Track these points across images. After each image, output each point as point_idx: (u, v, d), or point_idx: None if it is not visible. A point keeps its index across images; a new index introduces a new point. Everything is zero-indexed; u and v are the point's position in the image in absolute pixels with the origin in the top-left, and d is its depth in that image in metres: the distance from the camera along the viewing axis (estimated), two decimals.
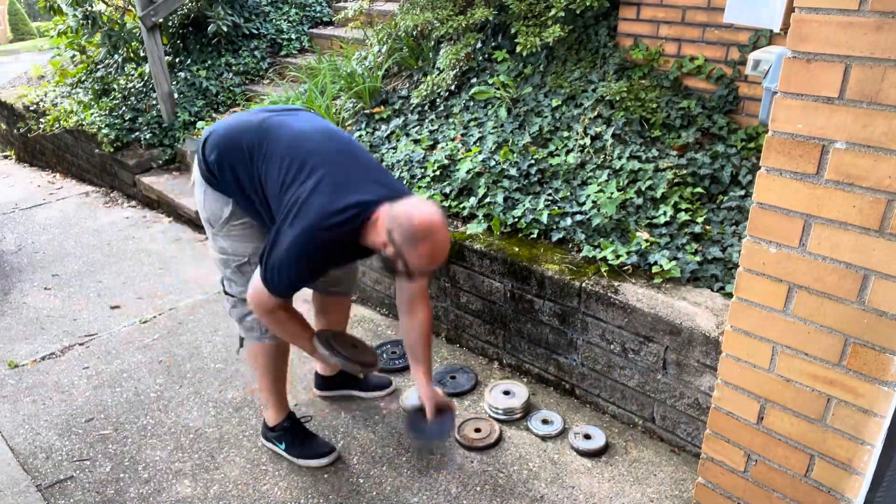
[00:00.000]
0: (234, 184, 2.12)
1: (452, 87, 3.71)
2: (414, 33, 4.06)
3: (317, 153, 2.04)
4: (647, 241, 2.59)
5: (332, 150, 2.08)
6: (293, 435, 2.49)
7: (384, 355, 3.06)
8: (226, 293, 2.32)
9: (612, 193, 2.75)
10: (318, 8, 5.90)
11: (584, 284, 2.53)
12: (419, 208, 1.93)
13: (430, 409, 2.29)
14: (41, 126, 5.76)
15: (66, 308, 3.65)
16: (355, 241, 2.01)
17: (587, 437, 2.49)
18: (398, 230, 1.89)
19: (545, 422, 2.59)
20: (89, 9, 5.13)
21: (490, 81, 3.57)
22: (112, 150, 5.13)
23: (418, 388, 2.35)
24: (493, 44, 3.78)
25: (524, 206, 2.89)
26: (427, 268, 1.99)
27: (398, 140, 3.60)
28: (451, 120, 3.58)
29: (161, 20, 4.68)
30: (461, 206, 3.05)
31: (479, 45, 3.78)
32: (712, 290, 2.40)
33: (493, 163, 3.11)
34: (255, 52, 5.51)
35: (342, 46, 4.89)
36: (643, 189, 2.77)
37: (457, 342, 3.18)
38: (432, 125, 3.60)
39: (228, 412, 2.78)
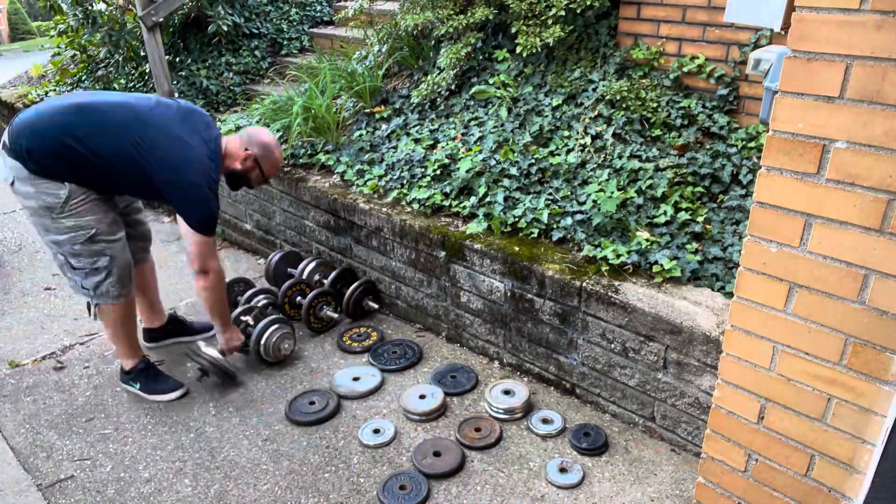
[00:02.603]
0: (66, 166, 2.46)
1: (453, 87, 3.71)
2: (414, 33, 4.05)
3: (135, 119, 2.53)
4: (647, 240, 2.59)
5: (157, 113, 2.58)
6: (146, 375, 2.87)
7: (385, 355, 3.06)
8: (73, 268, 2.59)
9: (612, 193, 2.74)
10: (319, 7, 5.89)
11: (584, 284, 2.52)
12: (262, 130, 2.88)
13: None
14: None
15: (67, 307, 3.65)
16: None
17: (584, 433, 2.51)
18: (256, 145, 2.76)
19: (545, 421, 2.60)
20: (90, 8, 5.13)
21: (490, 81, 3.57)
22: None
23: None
24: (493, 43, 3.78)
25: (524, 205, 2.89)
26: (276, 172, 2.95)
27: (399, 139, 3.60)
28: (451, 119, 3.58)
29: (161, 19, 4.67)
30: (461, 205, 3.05)
31: (479, 44, 3.78)
32: (713, 290, 2.40)
33: (493, 162, 3.11)
34: (256, 52, 5.51)
35: (343, 46, 4.88)
36: (644, 188, 2.77)
37: (457, 341, 3.18)
38: (433, 124, 3.60)
39: (229, 411, 2.78)
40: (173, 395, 2.84)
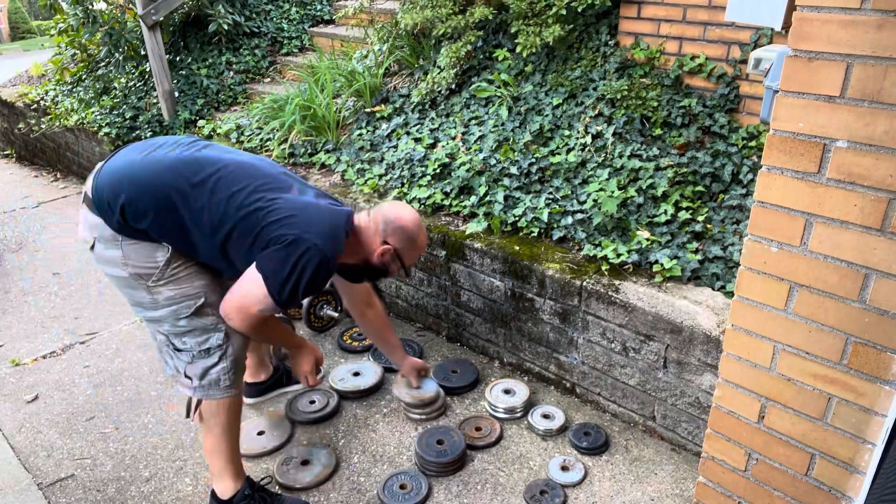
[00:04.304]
0: (164, 226, 1.93)
1: (453, 86, 3.70)
2: (414, 32, 4.05)
3: (271, 177, 2.03)
4: (647, 239, 2.59)
5: (275, 172, 2.09)
6: (259, 502, 2.18)
7: (385, 356, 3.06)
8: (177, 350, 2.04)
9: (612, 192, 2.74)
10: (319, 6, 5.89)
11: (584, 283, 2.52)
12: (402, 210, 2.15)
13: (415, 375, 2.66)
14: (42, 125, 5.76)
15: (68, 306, 3.66)
16: None
17: (546, 416, 2.58)
18: (396, 234, 2.09)
19: (546, 416, 2.60)
20: (90, 7, 5.12)
21: (491, 80, 3.57)
22: (113, 148, 5.12)
23: (401, 365, 2.66)
24: (493, 42, 3.77)
25: (525, 204, 2.89)
26: (417, 259, 2.29)
27: (399, 138, 3.60)
28: (451, 118, 3.58)
29: (162, 18, 4.67)
30: (462, 204, 3.05)
31: (479, 43, 3.78)
32: (713, 289, 2.40)
33: (493, 161, 3.11)
34: (256, 51, 5.51)
35: (343, 45, 4.88)
36: (644, 187, 2.77)
37: (457, 341, 3.18)
38: (433, 123, 3.60)
39: None
40: None
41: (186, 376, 2.06)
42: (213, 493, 2.19)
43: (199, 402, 2.11)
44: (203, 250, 1.99)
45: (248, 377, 2.72)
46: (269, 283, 1.89)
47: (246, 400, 2.74)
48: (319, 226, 1.93)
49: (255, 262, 1.92)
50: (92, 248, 2.01)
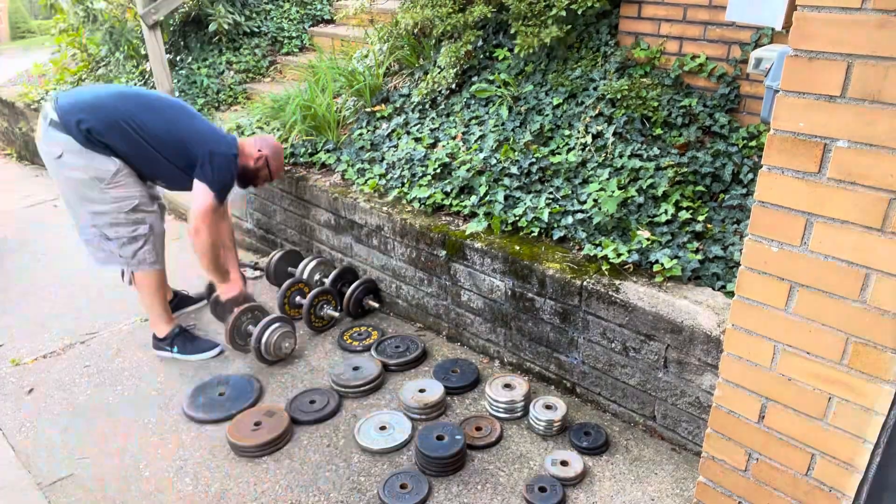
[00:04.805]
0: (122, 145, 2.76)
1: (453, 86, 3.70)
2: (415, 31, 4.05)
3: (179, 106, 3.00)
4: (648, 239, 2.59)
5: (184, 105, 3.04)
6: (183, 338, 3.11)
7: (387, 350, 3.07)
8: (108, 239, 2.85)
9: (613, 192, 2.74)
10: (319, 6, 5.89)
11: (585, 283, 2.52)
12: (268, 136, 3.30)
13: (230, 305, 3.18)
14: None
15: (68, 306, 3.66)
16: None
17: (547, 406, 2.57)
18: (267, 147, 3.11)
19: (548, 407, 2.59)
20: (90, 7, 5.13)
21: (491, 79, 3.57)
22: None
23: (224, 290, 3.18)
24: (494, 42, 3.77)
25: (525, 204, 2.89)
26: (279, 174, 3.29)
27: (399, 138, 3.60)
28: (452, 118, 3.58)
29: (162, 18, 4.67)
30: (462, 204, 3.05)
31: (479, 43, 3.78)
32: (713, 289, 2.40)
33: (493, 161, 3.11)
34: (256, 51, 5.51)
35: (343, 44, 4.88)
36: (644, 187, 2.77)
37: (458, 340, 3.18)
38: (433, 123, 3.60)
39: None
40: (212, 353, 3.08)
41: (120, 256, 2.91)
42: (154, 335, 3.13)
43: (132, 274, 2.98)
44: (145, 161, 2.85)
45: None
46: (208, 182, 2.86)
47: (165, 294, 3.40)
48: (225, 141, 2.97)
49: (194, 176, 2.87)
50: (59, 157, 2.72)
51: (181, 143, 2.87)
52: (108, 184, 2.77)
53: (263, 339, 2.96)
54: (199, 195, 2.87)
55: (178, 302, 3.51)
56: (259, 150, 3.08)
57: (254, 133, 4.18)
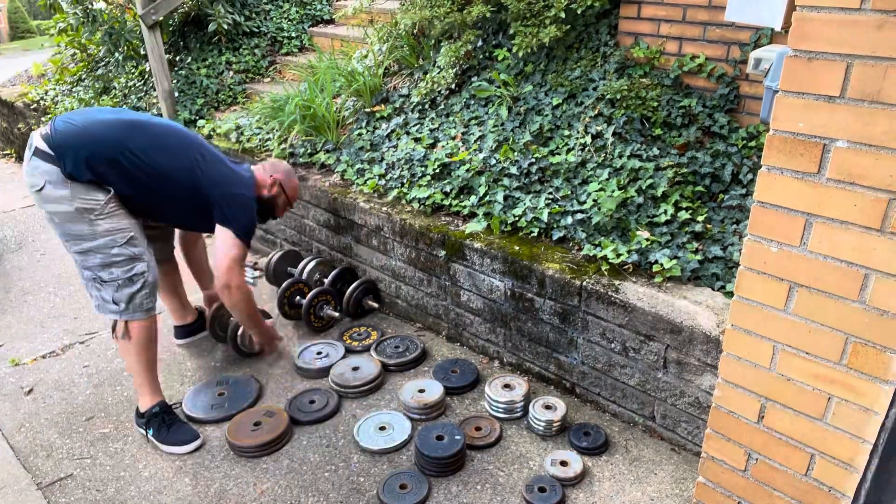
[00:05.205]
0: (114, 177, 2.44)
1: (453, 86, 3.70)
2: (414, 31, 4.05)
3: (188, 139, 2.68)
4: (647, 239, 2.59)
5: (197, 139, 2.73)
6: (161, 421, 2.62)
7: (387, 350, 3.07)
8: (103, 282, 2.49)
9: (612, 192, 2.74)
10: (319, 6, 5.89)
11: (584, 283, 2.52)
12: (277, 159, 3.30)
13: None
14: (42, 124, 5.75)
15: (67, 306, 3.65)
16: None
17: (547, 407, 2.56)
18: (281, 172, 2.91)
19: (547, 407, 2.59)
20: (90, 7, 5.12)
21: (490, 79, 3.57)
22: None
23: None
24: (493, 42, 3.77)
25: (525, 204, 2.89)
26: (296, 197, 3.04)
27: (399, 138, 3.60)
28: (451, 118, 3.58)
29: (161, 18, 4.67)
30: (461, 204, 3.05)
31: (479, 43, 3.78)
32: (713, 289, 2.40)
33: (493, 161, 3.11)
34: (256, 51, 5.51)
35: (343, 45, 4.88)
36: (644, 188, 2.77)
37: (457, 340, 3.18)
38: (433, 123, 3.60)
39: None
40: (188, 448, 2.57)
41: (114, 303, 2.51)
42: (137, 409, 2.69)
43: (125, 324, 2.55)
44: (144, 196, 2.53)
45: (175, 320, 3.26)
46: (233, 227, 2.62)
47: (176, 341, 3.26)
48: (242, 181, 2.74)
49: (217, 223, 2.62)
50: (40, 190, 2.38)
51: (193, 183, 2.58)
52: (97, 214, 2.41)
53: (240, 331, 3.04)
54: (225, 244, 2.61)
55: (203, 323, 3.27)
56: (271, 176, 2.86)
57: (254, 134, 4.18)
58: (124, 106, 5.28)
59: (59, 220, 2.43)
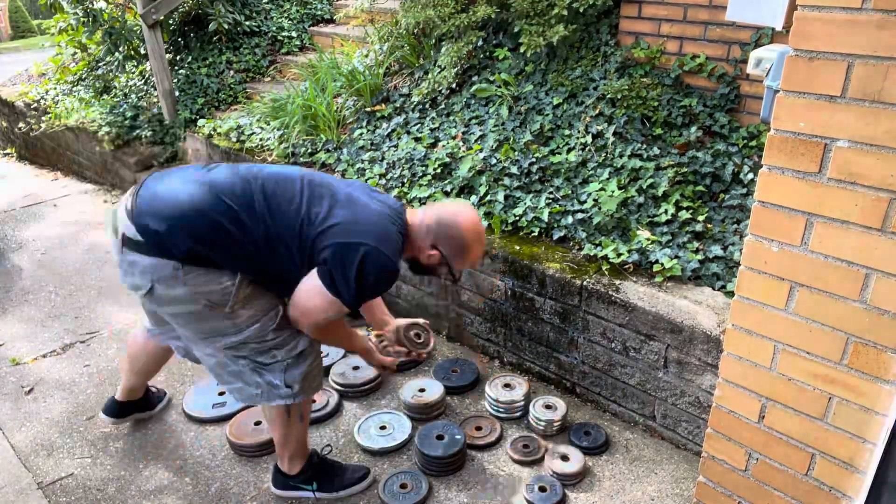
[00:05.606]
0: (223, 250, 1.87)
1: (454, 85, 3.70)
2: (415, 31, 4.05)
3: (323, 183, 2.00)
4: (648, 239, 2.59)
5: (329, 178, 2.06)
6: (323, 471, 2.30)
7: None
8: (264, 367, 2.02)
9: (613, 191, 2.74)
10: (319, 6, 5.89)
11: (585, 283, 2.52)
12: (460, 216, 2.00)
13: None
14: (42, 124, 5.76)
15: (68, 306, 3.65)
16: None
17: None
18: (446, 242, 2.00)
19: (548, 407, 2.59)
20: (90, 6, 5.12)
21: (491, 79, 3.57)
22: (113, 147, 5.13)
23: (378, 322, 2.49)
24: (494, 41, 3.77)
25: (525, 204, 2.89)
26: (471, 267, 2.12)
27: (399, 138, 3.60)
28: (452, 118, 3.58)
29: (162, 17, 4.68)
30: None
31: (480, 42, 3.78)
32: (713, 289, 2.40)
33: (494, 161, 3.11)
34: (256, 50, 5.51)
35: (343, 44, 4.88)
36: (644, 187, 2.77)
37: (458, 340, 3.18)
38: (433, 123, 3.60)
39: None
40: (365, 483, 2.31)
41: (287, 386, 2.03)
42: (279, 472, 2.27)
43: (298, 408, 2.12)
44: (261, 268, 1.93)
45: (128, 394, 2.63)
46: (335, 289, 1.86)
47: (103, 417, 2.63)
48: (372, 226, 1.89)
49: (316, 271, 1.88)
50: (149, 292, 1.89)
51: (300, 242, 1.91)
52: (232, 305, 1.90)
53: None
54: (311, 294, 1.90)
55: (145, 402, 2.70)
56: (433, 248, 2.02)
57: (255, 134, 4.17)
58: (125, 106, 5.27)
59: (189, 321, 1.96)
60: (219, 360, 2.03)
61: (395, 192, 3.27)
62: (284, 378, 2.03)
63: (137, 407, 2.69)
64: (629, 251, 2.56)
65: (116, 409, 2.63)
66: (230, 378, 2.07)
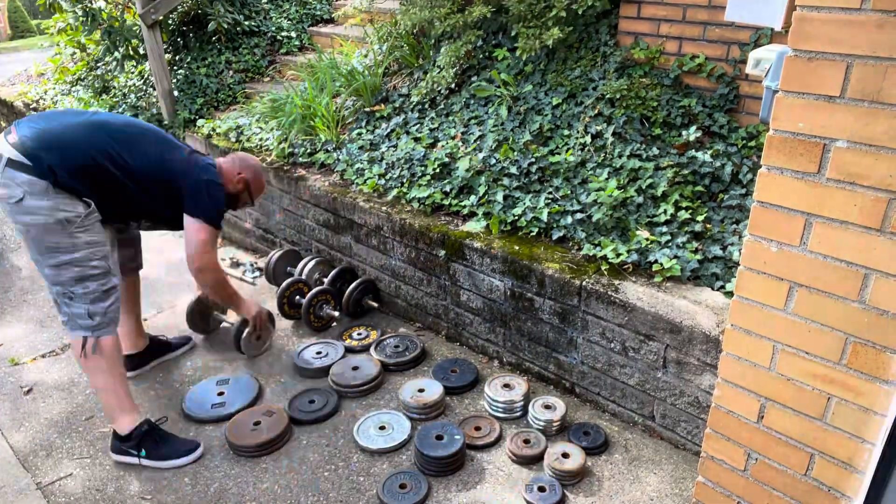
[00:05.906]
0: (90, 183, 2.35)
1: (453, 85, 3.70)
2: (414, 31, 4.05)
3: (151, 133, 2.63)
4: (647, 239, 2.59)
5: (155, 129, 2.69)
6: (152, 438, 2.48)
7: (387, 349, 3.07)
8: (73, 296, 2.35)
9: (612, 192, 2.74)
10: (318, 6, 5.89)
11: (584, 283, 2.52)
12: (247, 155, 2.97)
13: None
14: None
15: None
16: None
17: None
18: (246, 168, 2.85)
19: (547, 407, 2.59)
20: (89, 6, 5.12)
21: (490, 79, 3.57)
22: None
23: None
24: (493, 42, 3.77)
25: (524, 204, 2.89)
26: (261, 196, 3.03)
27: (398, 138, 3.60)
28: (451, 118, 3.57)
29: (161, 17, 4.67)
30: (461, 204, 3.05)
31: (479, 42, 3.78)
32: (713, 289, 2.40)
33: (493, 161, 3.11)
34: (255, 50, 5.50)
35: (342, 44, 4.88)
36: (644, 187, 2.77)
37: (457, 340, 3.18)
38: (433, 123, 3.59)
39: None
40: (193, 457, 2.50)
41: (89, 317, 2.38)
42: (114, 434, 2.51)
43: (95, 341, 2.40)
44: (123, 202, 2.48)
45: (128, 347, 2.93)
46: (205, 216, 2.60)
47: (129, 374, 2.84)
48: (209, 169, 2.68)
49: (185, 211, 2.59)
50: (18, 201, 2.25)
51: (166, 176, 2.54)
52: (77, 226, 2.31)
53: (244, 334, 3.04)
54: (195, 231, 2.59)
55: (155, 349, 3.09)
56: (239, 173, 2.80)
57: (254, 134, 4.18)
58: (124, 105, 5.27)
59: (36, 233, 2.30)
60: (49, 283, 2.39)
61: (395, 192, 3.27)
62: (89, 309, 2.37)
63: (153, 354, 3.08)
64: (628, 251, 2.56)
65: (131, 364, 2.94)
66: (54, 302, 2.43)
